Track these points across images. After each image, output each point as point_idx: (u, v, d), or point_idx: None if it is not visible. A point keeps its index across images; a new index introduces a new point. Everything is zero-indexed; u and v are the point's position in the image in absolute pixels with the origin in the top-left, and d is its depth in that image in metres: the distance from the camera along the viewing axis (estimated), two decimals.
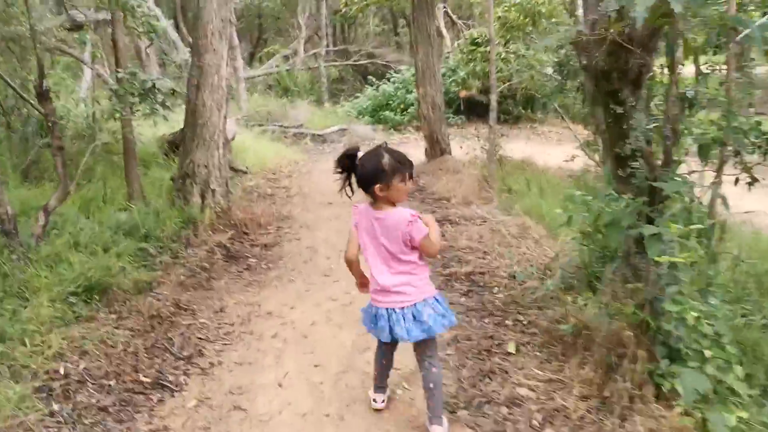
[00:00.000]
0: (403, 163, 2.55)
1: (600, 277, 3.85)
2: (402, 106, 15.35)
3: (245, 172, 8.39)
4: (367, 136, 14.44)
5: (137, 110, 5.36)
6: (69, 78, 11.24)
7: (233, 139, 9.14)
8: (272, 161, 9.82)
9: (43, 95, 4.43)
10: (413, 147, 12.66)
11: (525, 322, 3.80)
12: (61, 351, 3.59)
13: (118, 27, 6.13)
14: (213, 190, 6.31)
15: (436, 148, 9.03)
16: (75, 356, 3.61)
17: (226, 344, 3.88)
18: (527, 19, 9.91)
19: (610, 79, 2.78)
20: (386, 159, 2.51)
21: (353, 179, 2.60)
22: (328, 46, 20.86)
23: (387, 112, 15.38)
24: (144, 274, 4.78)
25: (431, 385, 2.65)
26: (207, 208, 6.15)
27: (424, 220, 2.58)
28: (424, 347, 2.66)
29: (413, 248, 2.57)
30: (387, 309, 2.60)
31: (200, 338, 3.97)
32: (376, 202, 2.59)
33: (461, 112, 15.26)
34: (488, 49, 13.00)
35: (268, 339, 3.93)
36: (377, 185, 2.51)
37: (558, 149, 12.49)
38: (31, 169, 6.69)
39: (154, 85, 5.34)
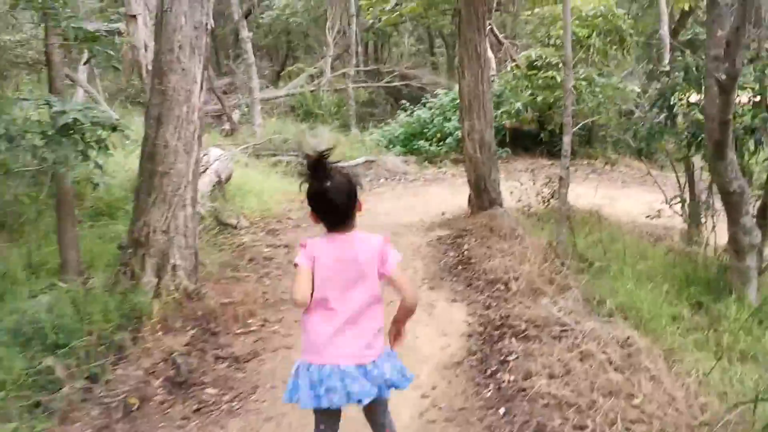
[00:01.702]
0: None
1: None
2: (439, 135, 13.34)
3: (234, 227, 6.54)
4: (397, 170, 12.52)
5: (44, 158, 3.56)
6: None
7: (229, 179, 7.35)
8: (278, 205, 7.98)
9: None
10: (449, 186, 10.69)
11: None
12: None
13: (50, 36, 4.40)
14: (174, 266, 4.48)
15: (484, 198, 7.06)
16: None
17: None
18: (613, 37, 7.78)
19: None
20: None
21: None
22: (358, 65, 19.05)
23: (421, 142, 13.42)
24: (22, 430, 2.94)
25: None
26: (162, 293, 4.32)
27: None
28: None
29: None
30: None
31: None
32: None
33: (505, 144, 13.28)
34: (549, 74, 11.15)
35: None
36: None
37: (625, 193, 10.47)
38: None
39: (76, 121, 3.53)
